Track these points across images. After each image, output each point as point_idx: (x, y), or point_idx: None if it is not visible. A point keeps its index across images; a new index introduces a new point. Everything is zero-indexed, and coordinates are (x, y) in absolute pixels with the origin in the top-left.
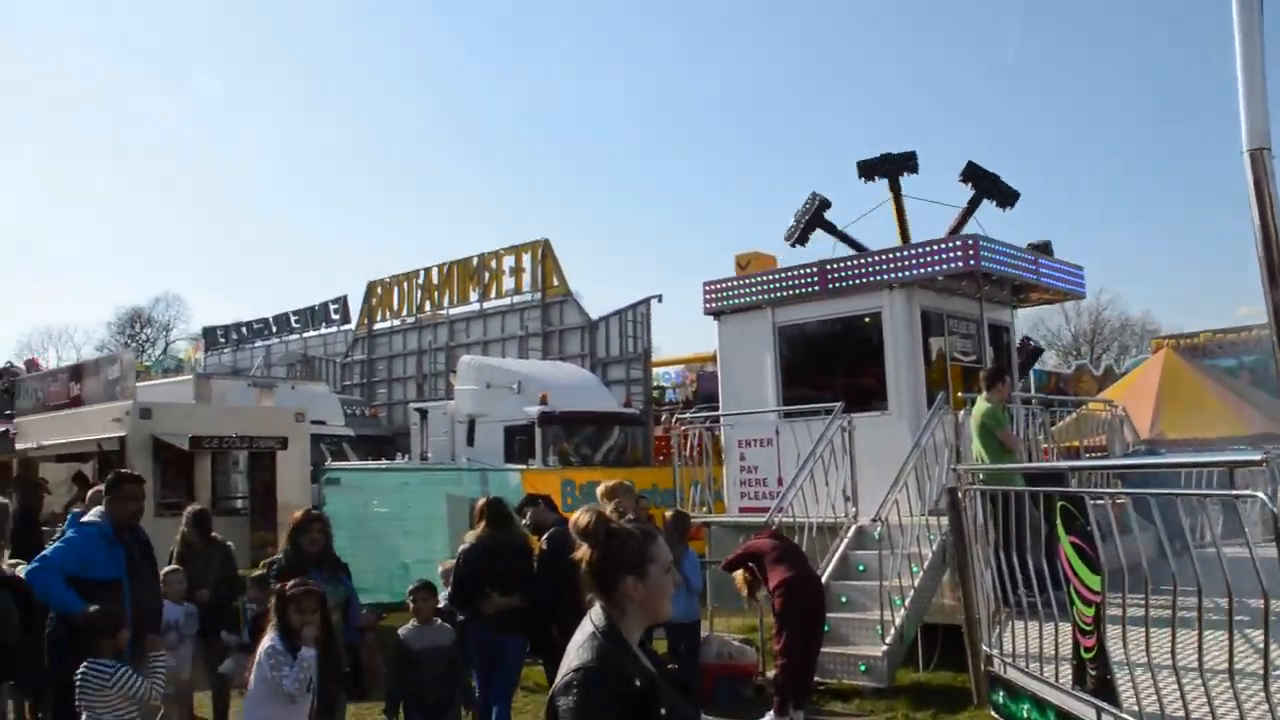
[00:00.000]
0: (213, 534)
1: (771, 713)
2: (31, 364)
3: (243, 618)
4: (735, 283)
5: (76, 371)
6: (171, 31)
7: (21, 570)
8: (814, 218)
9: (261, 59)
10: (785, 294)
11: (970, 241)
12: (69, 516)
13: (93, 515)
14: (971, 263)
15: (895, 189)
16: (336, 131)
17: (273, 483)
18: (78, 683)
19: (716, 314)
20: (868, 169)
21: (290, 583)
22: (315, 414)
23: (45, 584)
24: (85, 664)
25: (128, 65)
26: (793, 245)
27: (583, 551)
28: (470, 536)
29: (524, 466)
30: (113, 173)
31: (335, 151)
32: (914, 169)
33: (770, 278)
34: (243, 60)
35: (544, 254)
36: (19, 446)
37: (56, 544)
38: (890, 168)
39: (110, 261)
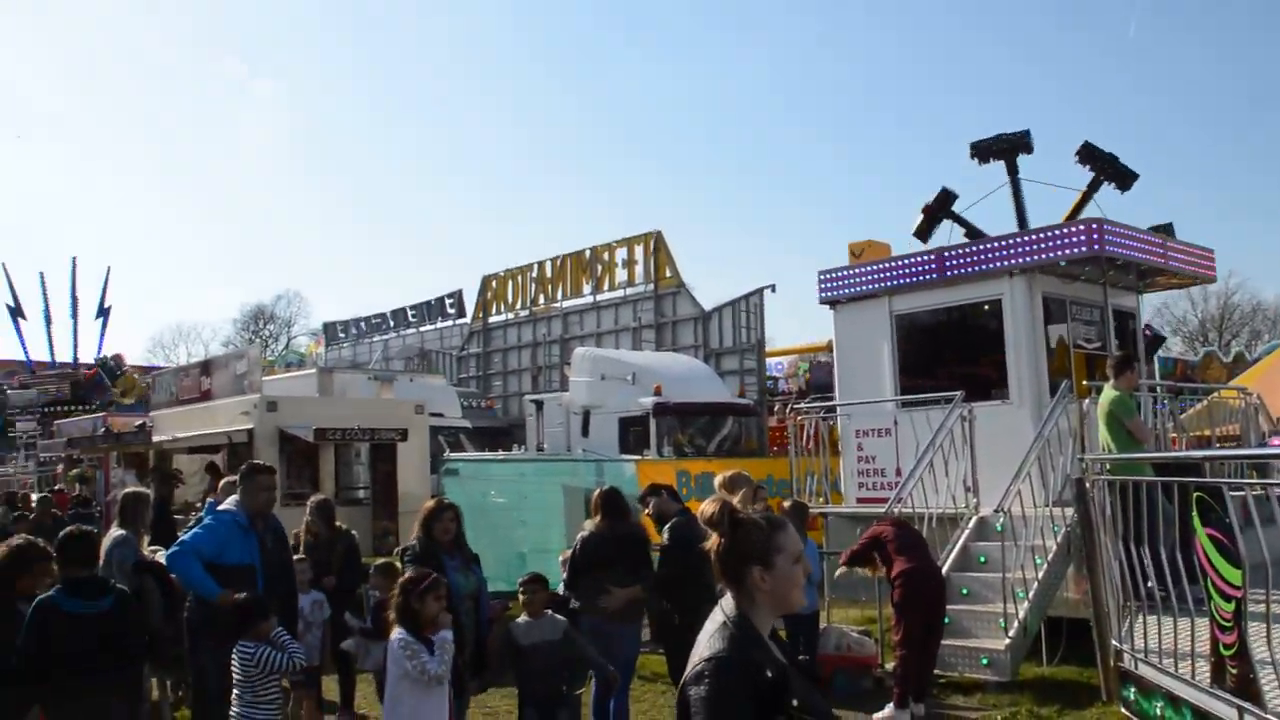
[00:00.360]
0: (337, 523)
1: (891, 705)
2: (117, 359)
3: (365, 605)
4: (851, 271)
5: (206, 367)
6: (295, 30)
7: (161, 556)
8: (941, 212)
9: (383, 59)
10: (902, 282)
11: (1094, 225)
12: (207, 504)
13: (228, 504)
14: (1095, 247)
15: (1012, 171)
16: (450, 132)
17: (393, 473)
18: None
19: (832, 303)
20: (982, 151)
21: (409, 573)
22: (433, 406)
23: (186, 568)
24: (236, 649)
25: (250, 64)
26: (920, 239)
27: (712, 541)
28: (589, 525)
29: (639, 457)
30: (241, 173)
31: (448, 149)
32: (1029, 149)
33: (887, 266)
34: (368, 61)
35: (656, 246)
36: (155, 439)
37: (194, 529)
38: (1005, 149)
39: (236, 261)
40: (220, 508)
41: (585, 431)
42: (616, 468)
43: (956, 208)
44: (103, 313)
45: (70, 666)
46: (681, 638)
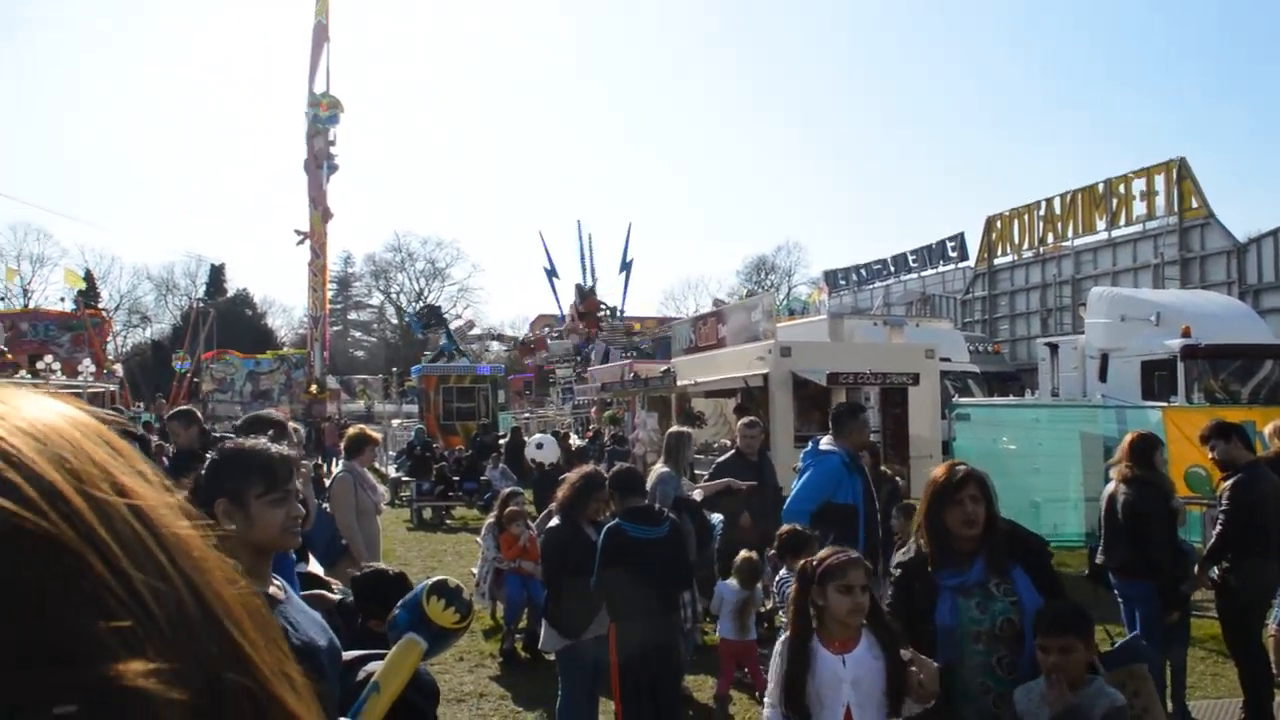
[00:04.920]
0: (881, 467)
1: None
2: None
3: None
4: None
5: (721, 315)
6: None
7: (696, 493)
8: None
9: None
10: None
11: None
12: (810, 443)
13: (826, 443)
14: None
15: None
16: (941, 69)
17: (904, 417)
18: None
19: None
20: None
21: None
22: (940, 351)
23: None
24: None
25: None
26: None
27: None
28: (1115, 474)
29: (1164, 404)
30: (731, 133)
31: (939, 90)
32: None
33: None
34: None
35: (1180, 174)
36: (679, 384)
37: (805, 478)
38: None
39: (738, 215)
40: (823, 447)
41: (1103, 376)
42: (1140, 415)
43: None
44: (625, 267)
45: (634, 583)
46: (1233, 606)
